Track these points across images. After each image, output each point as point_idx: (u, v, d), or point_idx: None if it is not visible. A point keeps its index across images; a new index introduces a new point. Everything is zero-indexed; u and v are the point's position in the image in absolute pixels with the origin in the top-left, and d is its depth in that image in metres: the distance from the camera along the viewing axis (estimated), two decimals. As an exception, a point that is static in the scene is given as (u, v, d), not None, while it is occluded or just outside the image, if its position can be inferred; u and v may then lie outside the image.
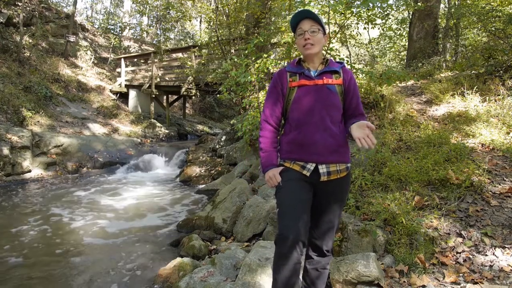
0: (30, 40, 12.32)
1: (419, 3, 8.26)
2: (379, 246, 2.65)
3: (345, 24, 6.77)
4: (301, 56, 1.87)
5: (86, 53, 14.85)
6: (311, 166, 1.75)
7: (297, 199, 1.71)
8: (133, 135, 10.80)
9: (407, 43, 10.33)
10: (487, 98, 4.89)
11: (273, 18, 8.67)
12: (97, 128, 10.32)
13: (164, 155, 8.94)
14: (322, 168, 1.75)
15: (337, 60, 4.30)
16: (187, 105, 15.87)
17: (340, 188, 1.82)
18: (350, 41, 10.61)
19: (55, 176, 7.44)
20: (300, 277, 2.03)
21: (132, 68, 14.62)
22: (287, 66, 1.88)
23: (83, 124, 10.19)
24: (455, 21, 8.83)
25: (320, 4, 6.22)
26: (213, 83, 9.01)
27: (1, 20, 11.68)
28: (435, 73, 6.89)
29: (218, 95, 7.55)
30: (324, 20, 5.89)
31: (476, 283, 2.17)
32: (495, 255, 2.39)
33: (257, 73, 5.34)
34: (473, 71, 5.89)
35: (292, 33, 5.64)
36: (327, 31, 1.89)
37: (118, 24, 19.53)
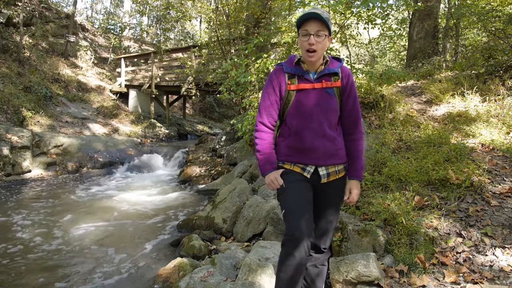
0: (30, 40, 12.33)
1: (419, 3, 8.26)
2: (379, 246, 2.65)
3: (345, 24, 6.77)
4: (300, 56, 1.80)
5: (86, 53, 14.85)
6: (311, 168, 1.76)
7: (303, 200, 1.72)
8: (133, 135, 10.80)
9: (407, 43, 10.33)
10: (487, 98, 4.89)
11: (273, 18, 8.68)
12: (97, 128, 10.32)
13: (164, 155, 8.94)
14: (322, 170, 1.76)
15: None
16: (187, 105, 15.87)
17: (338, 188, 1.83)
18: (350, 41, 10.60)
19: (55, 176, 7.44)
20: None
21: (132, 68, 14.62)
22: (284, 65, 1.80)
23: (83, 124, 10.19)
24: (455, 21, 8.83)
25: (320, 4, 6.22)
26: (213, 83, 9.00)
27: (1, 20, 11.68)
28: (435, 73, 6.89)
29: (218, 95, 7.56)
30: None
31: (476, 283, 2.17)
32: (495, 255, 2.39)
33: (257, 73, 5.34)
34: (473, 71, 5.90)
35: (292, 33, 5.64)
36: (332, 31, 1.83)
37: (118, 24, 19.51)
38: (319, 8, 1.75)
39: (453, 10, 9.02)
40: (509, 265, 2.28)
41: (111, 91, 13.48)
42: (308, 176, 1.75)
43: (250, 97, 5.97)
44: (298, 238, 1.61)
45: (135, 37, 20.67)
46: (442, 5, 10.89)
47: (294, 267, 1.63)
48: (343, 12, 5.06)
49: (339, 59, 1.82)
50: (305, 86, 1.73)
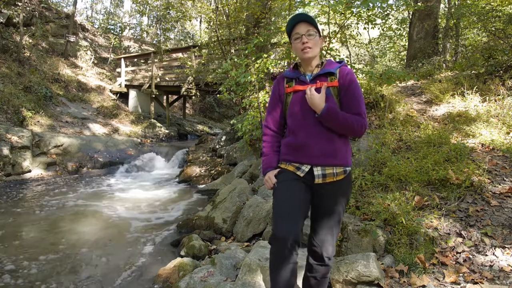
0: (30, 40, 12.33)
1: (419, 3, 8.26)
2: (379, 246, 2.65)
3: (345, 24, 6.77)
4: (298, 61, 1.87)
5: (86, 53, 14.85)
6: (305, 168, 1.74)
7: (292, 200, 1.71)
8: (133, 135, 10.80)
9: (407, 43, 10.33)
10: (487, 98, 4.89)
11: (273, 18, 8.67)
12: (97, 128, 10.32)
13: (164, 155, 8.94)
14: (317, 170, 1.73)
15: (337, 60, 4.30)
16: (187, 105, 15.88)
17: (337, 191, 1.76)
18: (350, 41, 10.60)
19: (55, 176, 7.44)
20: (300, 284, 2.02)
21: (132, 68, 14.62)
22: (285, 72, 1.91)
23: (83, 124, 10.19)
24: (455, 21, 8.83)
25: (320, 4, 6.22)
26: (213, 83, 9.00)
27: (1, 20, 11.68)
28: (435, 73, 6.89)
29: (218, 95, 7.56)
30: (324, 20, 5.90)
31: (476, 283, 2.17)
32: (495, 255, 2.39)
33: (257, 73, 5.34)
34: (473, 71, 5.89)
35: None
36: (326, 32, 1.91)
37: (118, 24, 19.52)
38: (304, 13, 1.82)
39: (453, 10, 9.02)
40: (509, 265, 2.28)
41: (111, 91, 13.48)
42: (301, 175, 1.74)
43: (250, 97, 5.97)
44: (281, 238, 1.63)
45: (135, 37, 20.67)
46: (442, 5, 10.89)
47: (282, 267, 1.65)
48: (343, 12, 5.06)
49: (340, 62, 1.85)
50: (300, 88, 1.80)
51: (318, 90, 1.74)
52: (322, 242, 1.79)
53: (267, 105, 2.00)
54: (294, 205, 1.70)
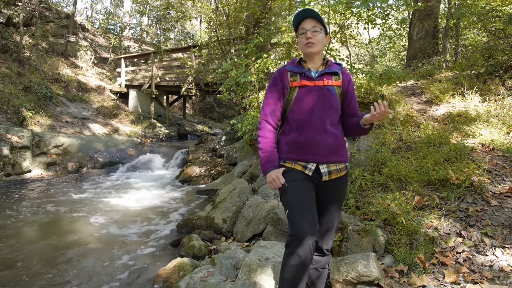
0: (30, 40, 12.33)
1: (419, 3, 8.26)
2: (379, 246, 2.65)
3: (345, 24, 6.77)
4: (302, 56, 1.88)
5: (86, 53, 14.85)
6: (312, 166, 1.76)
7: (306, 199, 1.72)
8: (133, 135, 10.80)
9: (407, 43, 10.33)
10: (487, 98, 4.89)
11: (273, 18, 8.67)
12: (97, 128, 10.32)
13: (164, 155, 8.94)
14: (323, 168, 1.76)
15: (337, 61, 4.31)
16: (187, 105, 15.87)
17: (340, 187, 1.84)
18: (350, 41, 10.60)
19: (55, 176, 7.44)
20: None
21: (132, 68, 14.62)
22: (287, 65, 1.87)
23: (83, 124, 10.19)
24: (455, 21, 8.83)
25: (320, 4, 6.22)
26: (213, 83, 9.00)
27: (1, 20, 11.68)
28: (435, 73, 6.89)
29: (218, 95, 7.56)
30: (324, 20, 5.90)
31: (476, 283, 2.17)
32: (495, 255, 2.39)
33: (257, 73, 5.34)
34: (473, 71, 5.90)
35: (292, 33, 5.65)
36: (328, 32, 1.90)
37: (118, 24, 19.52)
38: (311, 8, 1.82)
39: (453, 10, 9.02)
40: (509, 265, 2.28)
41: (111, 91, 13.48)
42: (310, 174, 1.76)
43: (250, 97, 5.97)
44: (302, 238, 1.62)
45: (135, 37, 20.68)
46: (442, 5, 10.89)
47: (299, 267, 1.63)
48: (343, 12, 5.06)
49: (339, 64, 1.91)
50: (307, 83, 1.78)
51: (325, 88, 1.77)
52: (323, 236, 1.85)
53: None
54: (310, 205, 1.71)
